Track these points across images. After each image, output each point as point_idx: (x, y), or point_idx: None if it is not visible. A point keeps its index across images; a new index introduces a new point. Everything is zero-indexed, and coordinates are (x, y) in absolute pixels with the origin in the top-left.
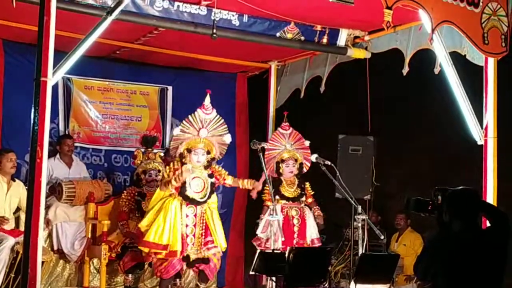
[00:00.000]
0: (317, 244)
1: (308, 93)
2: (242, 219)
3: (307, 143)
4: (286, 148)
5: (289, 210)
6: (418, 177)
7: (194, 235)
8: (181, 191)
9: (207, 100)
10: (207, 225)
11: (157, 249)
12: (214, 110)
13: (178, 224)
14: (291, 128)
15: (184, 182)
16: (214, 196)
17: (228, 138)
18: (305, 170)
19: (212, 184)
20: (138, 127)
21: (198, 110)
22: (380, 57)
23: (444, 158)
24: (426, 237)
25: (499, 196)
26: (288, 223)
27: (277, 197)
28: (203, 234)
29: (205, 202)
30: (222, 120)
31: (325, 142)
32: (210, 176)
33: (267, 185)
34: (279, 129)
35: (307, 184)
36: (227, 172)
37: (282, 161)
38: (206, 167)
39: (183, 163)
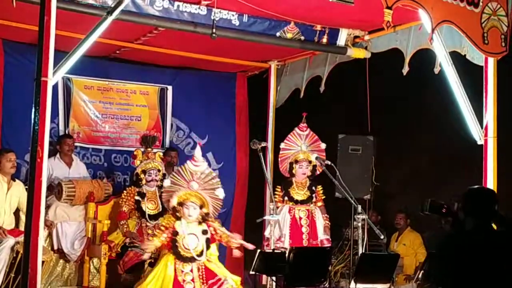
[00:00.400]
0: (327, 244)
1: (308, 93)
2: (242, 219)
3: (323, 145)
4: (302, 149)
5: (296, 211)
6: (418, 176)
7: None
8: (173, 250)
9: (198, 152)
10: (207, 271)
11: None
12: (206, 163)
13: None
14: (308, 129)
15: (175, 241)
16: (213, 247)
17: (221, 193)
18: (318, 172)
19: (208, 240)
20: (138, 126)
21: (188, 162)
22: (380, 56)
23: (444, 157)
24: (426, 237)
25: (499, 196)
26: (296, 225)
27: (285, 198)
28: (205, 282)
29: (201, 256)
30: (214, 174)
31: (325, 142)
32: (204, 232)
33: (278, 187)
34: (296, 129)
35: (319, 188)
36: (227, 234)
37: (296, 161)
38: (200, 222)
39: (177, 217)
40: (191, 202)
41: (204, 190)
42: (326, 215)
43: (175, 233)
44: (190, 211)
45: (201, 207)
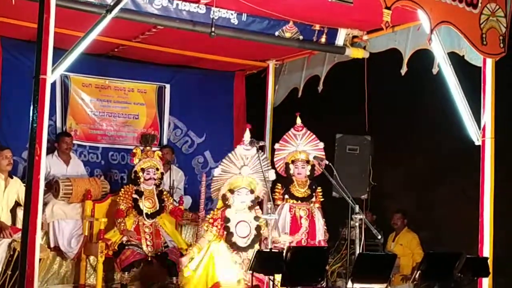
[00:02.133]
0: (323, 245)
1: (306, 92)
2: None
3: (321, 145)
4: (298, 149)
5: (297, 210)
6: (415, 177)
7: None
8: (227, 237)
9: (247, 136)
10: None
11: None
12: (255, 147)
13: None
14: (304, 129)
15: (228, 228)
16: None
17: (272, 175)
18: (317, 171)
19: (258, 227)
20: (135, 125)
21: (238, 146)
22: (378, 57)
23: (441, 158)
24: None
25: (496, 197)
26: (296, 223)
27: (286, 196)
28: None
29: (250, 247)
30: (265, 155)
31: (323, 142)
32: (256, 218)
33: (279, 185)
34: (292, 129)
35: (319, 189)
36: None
37: (292, 162)
38: (250, 208)
39: (226, 206)
40: (243, 187)
41: (255, 173)
42: (323, 219)
43: (227, 220)
44: (242, 197)
45: (251, 191)
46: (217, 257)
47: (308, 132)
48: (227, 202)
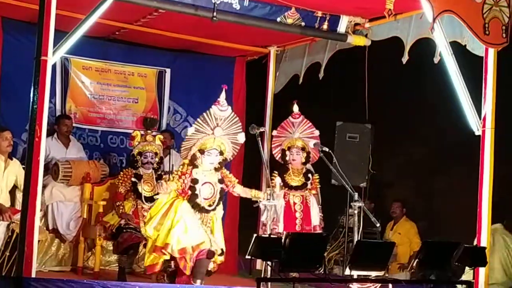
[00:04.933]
0: (319, 230)
1: (307, 79)
2: (236, 203)
3: (317, 132)
4: (294, 137)
5: (291, 197)
6: (414, 166)
7: None
8: (191, 198)
9: (223, 97)
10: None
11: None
12: (230, 108)
13: (193, 221)
14: (301, 117)
15: (195, 189)
16: (220, 206)
17: (242, 138)
18: (313, 159)
19: (222, 190)
20: (134, 109)
21: (213, 106)
22: (380, 45)
23: (441, 147)
24: None
25: (495, 187)
26: (289, 210)
27: (281, 183)
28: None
29: (213, 210)
30: (237, 118)
31: (323, 129)
32: (220, 181)
33: (275, 172)
34: (290, 117)
35: (316, 176)
36: (237, 180)
37: (288, 148)
38: (216, 170)
39: (194, 166)
40: (214, 149)
41: (226, 135)
42: (320, 206)
43: (195, 181)
44: (211, 158)
45: (221, 153)
46: (185, 216)
47: (305, 120)
48: (195, 162)
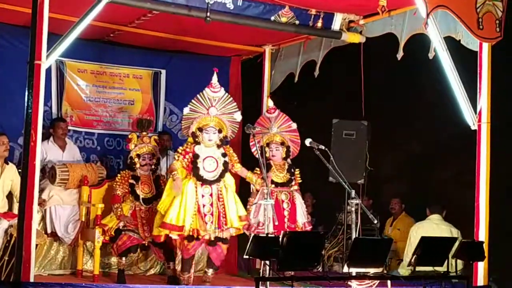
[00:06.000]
0: (308, 228)
1: (302, 77)
2: None
3: (294, 125)
4: (272, 132)
5: (278, 194)
6: (411, 162)
7: (212, 214)
8: (194, 171)
9: (215, 79)
10: (224, 204)
11: (174, 231)
12: (222, 89)
13: (192, 205)
14: (277, 111)
15: (196, 163)
16: (229, 176)
17: (238, 116)
18: (293, 153)
19: (226, 163)
20: (130, 110)
21: (206, 89)
22: (374, 41)
23: (437, 142)
24: None
25: (491, 181)
26: (278, 208)
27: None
28: (222, 213)
29: (218, 181)
30: (231, 99)
31: (319, 127)
32: (224, 155)
33: (257, 169)
34: (265, 112)
35: (297, 171)
36: (237, 160)
37: (267, 145)
38: (219, 146)
39: (196, 143)
40: (211, 127)
41: (222, 114)
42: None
43: (196, 156)
44: (210, 136)
45: (220, 131)
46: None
47: (281, 114)
48: (197, 139)
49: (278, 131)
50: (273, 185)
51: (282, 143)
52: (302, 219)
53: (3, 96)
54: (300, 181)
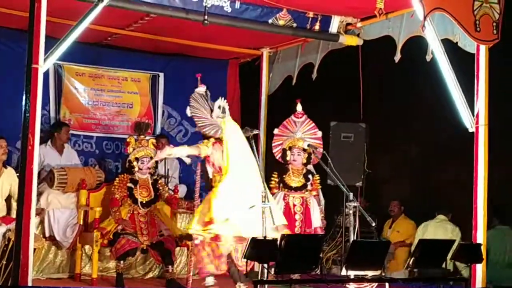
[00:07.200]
0: (320, 232)
1: (300, 80)
2: None
3: (319, 133)
4: (296, 136)
5: (290, 198)
6: (409, 164)
7: None
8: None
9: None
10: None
11: None
12: (305, 115)
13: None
14: (304, 116)
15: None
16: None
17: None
18: (314, 160)
19: None
20: (129, 114)
21: (292, 116)
22: (372, 44)
23: (435, 145)
24: None
25: (489, 183)
26: (289, 212)
27: (281, 185)
28: None
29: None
30: (209, 94)
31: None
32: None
33: (275, 173)
34: (292, 116)
35: (317, 177)
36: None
37: (289, 148)
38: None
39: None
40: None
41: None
42: (321, 206)
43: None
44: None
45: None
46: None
47: (308, 120)
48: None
49: (303, 137)
50: (287, 189)
51: (305, 149)
52: (315, 223)
53: (1, 99)
54: (319, 187)
